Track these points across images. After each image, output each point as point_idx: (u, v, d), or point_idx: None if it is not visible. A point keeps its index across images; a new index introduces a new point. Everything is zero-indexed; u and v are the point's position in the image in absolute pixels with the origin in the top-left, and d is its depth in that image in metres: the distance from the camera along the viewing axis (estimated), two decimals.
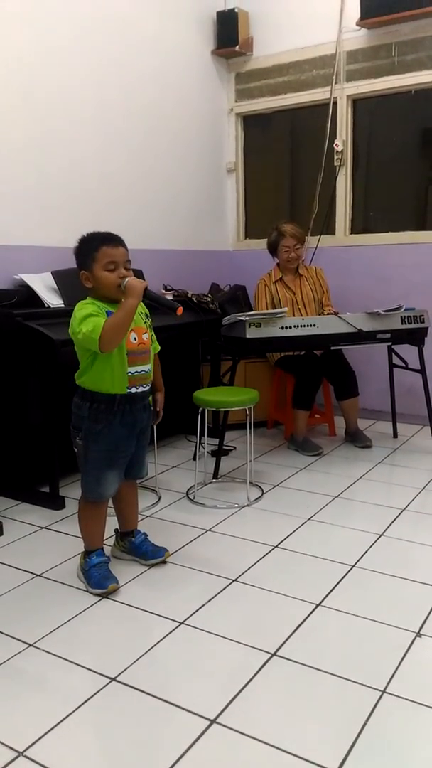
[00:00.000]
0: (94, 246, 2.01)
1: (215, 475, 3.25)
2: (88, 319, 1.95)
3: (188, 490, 3.07)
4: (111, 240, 2.03)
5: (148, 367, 2.15)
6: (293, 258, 3.77)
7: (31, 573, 2.28)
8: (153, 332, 2.21)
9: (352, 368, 3.74)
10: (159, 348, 2.26)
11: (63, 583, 2.21)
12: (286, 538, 2.54)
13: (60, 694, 1.65)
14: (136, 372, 2.10)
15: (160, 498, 2.98)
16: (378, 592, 2.13)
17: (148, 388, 2.18)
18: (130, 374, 2.08)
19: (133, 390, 2.10)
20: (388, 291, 4.07)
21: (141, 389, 2.13)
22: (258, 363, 4.02)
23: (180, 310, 2.12)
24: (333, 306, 3.88)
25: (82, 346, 2.04)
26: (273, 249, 3.82)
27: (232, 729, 1.51)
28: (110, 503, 2.27)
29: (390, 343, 3.57)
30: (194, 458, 3.41)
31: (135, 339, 2.08)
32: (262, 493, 3.03)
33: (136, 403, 2.13)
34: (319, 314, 3.79)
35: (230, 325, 3.35)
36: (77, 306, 2.03)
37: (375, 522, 2.67)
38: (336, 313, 3.56)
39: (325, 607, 2.04)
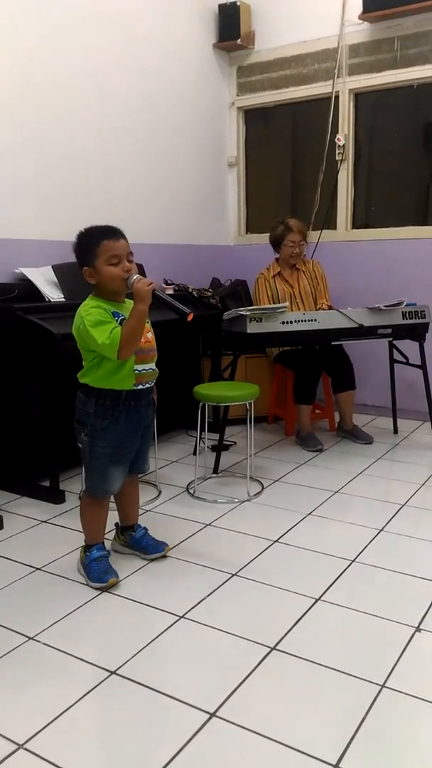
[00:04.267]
0: (95, 241, 1.99)
1: (215, 470, 3.25)
2: (102, 327, 1.94)
3: (188, 485, 3.07)
4: (111, 233, 2.01)
5: (154, 365, 2.16)
6: (297, 254, 3.76)
7: (32, 567, 2.29)
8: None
9: (350, 361, 3.73)
10: None
11: (63, 577, 2.21)
12: (286, 533, 2.54)
13: (60, 687, 1.65)
14: (143, 370, 2.10)
15: (160, 492, 2.98)
16: (378, 587, 2.14)
17: (152, 384, 2.18)
18: (137, 372, 2.08)
19: (140, 387, 2.10)
20: (389, 286, 4.06)
21: (147, 386, 2.14)
22: (259, 358, 4.02)
23: (191, 317, 2.11)
24: (331, 301, 3.86)
25: (87, 347, 2.03)
26: (277, 242, 3.79)
27: (231, 722, 1.52)
28: (111, 497, 2.27)
29: (391, 339, 3.57)
30: (194, 453, 3.41)
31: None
32: (263, 488, 3.03)
33: (141, 399, 2.14)
34: (316, 309, 3.79)
35: (231, 320, 3.35)
36: (83, 308, 2.01)
37: (375, 517, 2.68)
38: (330, 307, 3.55)
39: (324, 601, 2.04)
